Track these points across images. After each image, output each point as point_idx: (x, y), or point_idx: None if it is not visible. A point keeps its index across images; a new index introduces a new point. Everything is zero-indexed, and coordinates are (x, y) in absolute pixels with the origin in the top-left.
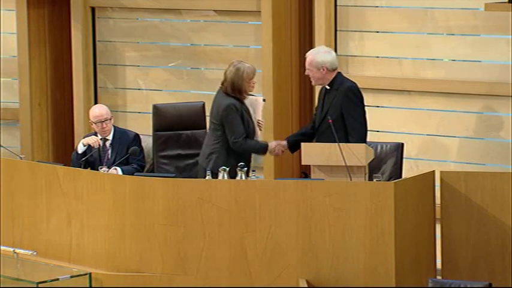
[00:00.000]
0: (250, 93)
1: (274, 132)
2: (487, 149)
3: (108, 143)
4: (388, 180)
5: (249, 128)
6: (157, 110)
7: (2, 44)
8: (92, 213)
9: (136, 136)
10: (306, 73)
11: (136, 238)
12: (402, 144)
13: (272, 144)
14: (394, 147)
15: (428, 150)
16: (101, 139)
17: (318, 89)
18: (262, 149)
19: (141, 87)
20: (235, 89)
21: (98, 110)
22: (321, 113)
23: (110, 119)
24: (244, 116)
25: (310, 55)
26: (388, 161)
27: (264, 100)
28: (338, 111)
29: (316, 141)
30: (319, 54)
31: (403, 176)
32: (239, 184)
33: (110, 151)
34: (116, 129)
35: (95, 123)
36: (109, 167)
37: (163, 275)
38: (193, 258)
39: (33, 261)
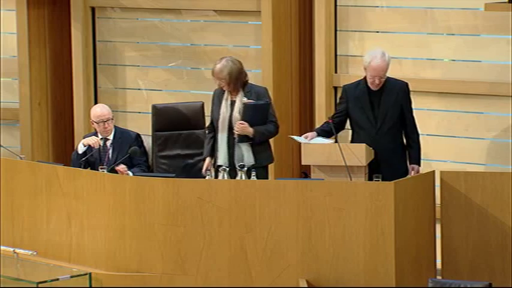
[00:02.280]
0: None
1: None
2: (487, 149)
3: (108, 143)
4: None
5: (213, 118)
6: (156, 110)
7: (2, 44)
8: (92, 213)
9: (138, 136)
10: (379, 81)
11: (136, 238)
12: None
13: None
14: None
15: (428, 150)
16: (101, 139)
17: (318, 89)
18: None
19: (141, 87)
20: (239, 79)
21: (100, 110)
22: (372, 114)
23: (112, 119)
24: (214, 104)
25: (384, 62)
26: None
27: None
28: (399, 109)
29: (378, 143)
30: (387, 58)
31: None
32: (239, 184)
33: (110, 151)
34: (117, 129)
35: (97, 123)
36: (109, 167)
37: (163, 275)
38: (193, 258)
39: (33, 261)
